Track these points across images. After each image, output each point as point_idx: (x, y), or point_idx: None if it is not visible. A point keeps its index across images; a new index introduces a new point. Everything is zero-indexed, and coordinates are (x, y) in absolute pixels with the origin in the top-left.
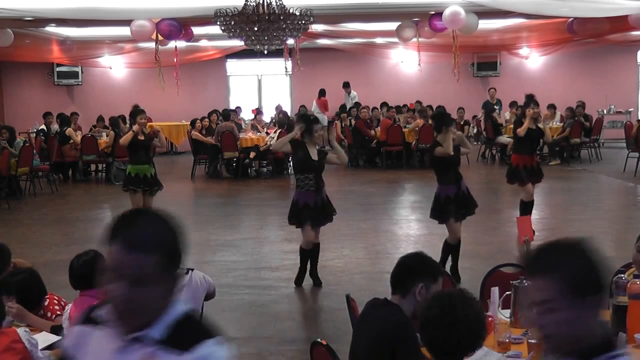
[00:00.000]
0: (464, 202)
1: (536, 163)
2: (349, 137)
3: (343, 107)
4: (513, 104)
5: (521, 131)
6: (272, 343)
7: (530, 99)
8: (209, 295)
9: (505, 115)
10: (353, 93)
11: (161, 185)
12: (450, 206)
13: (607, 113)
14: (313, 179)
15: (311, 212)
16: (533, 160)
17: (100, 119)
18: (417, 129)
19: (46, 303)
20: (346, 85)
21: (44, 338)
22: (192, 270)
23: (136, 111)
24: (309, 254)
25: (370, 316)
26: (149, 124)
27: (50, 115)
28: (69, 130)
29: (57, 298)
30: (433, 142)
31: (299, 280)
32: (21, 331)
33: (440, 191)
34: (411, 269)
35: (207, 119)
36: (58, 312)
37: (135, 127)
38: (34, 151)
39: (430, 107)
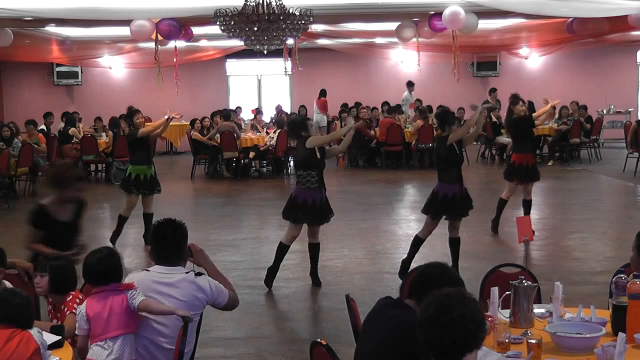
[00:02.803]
0: (459, 203)
1: (533, 163)
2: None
3: (345, 105)
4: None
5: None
6: (272, 343)
7: (517, 97)
8: (222, 306)
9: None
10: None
11: (159, 186)
12: (444, 205)
13: (606, 113)
14: (316, 177)
15: (309, 210)
16: (534, 160)
17: (99, 119)
18: (417, 129)
19: (69, 299)
20: (410, 84)
21: (45, 338)
22: (201, 274)
23: (132, 111)
24: (286, 250)
25: (382, 315)
26: (146, 123)
27: (51, 115)
28: (73, 130)
29: (80, 297)
30: (440, 139)
31: (269, 281)
32: (34, 332)
33: (439, 189)
34: (431, 279)
35: (208, 119)
36: (74, 311)
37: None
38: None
39: (429, 107)
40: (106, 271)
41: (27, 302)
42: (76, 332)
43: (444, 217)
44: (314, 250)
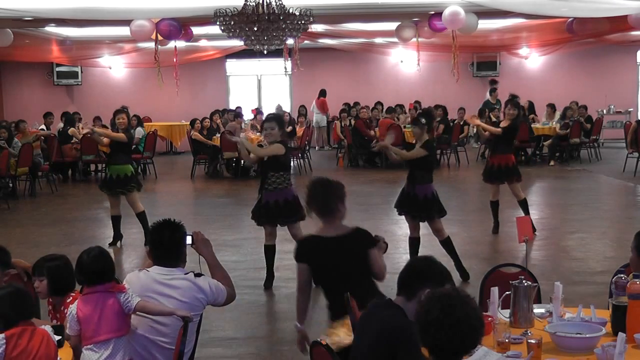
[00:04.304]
0: (413, 204)
1: (512, 163)
2: (349, 137)
3: (347, 105)
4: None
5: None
6: (272, 343)
7: (509, 100)
8: (221, 304)
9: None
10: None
11: (138, 184)
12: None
13: (606, 113)
14: (285, 176)
15: (279, 210)
16: (509, 160)
17: (97, 119)
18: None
19: (69, 300)
20: (492, 83)
21: None
22: (200, 275)
23: (116, 111)
24: (273, 250)
25: (372, 316)
26: (147, 123)
27: (51, 115)
28: (72, 130)
29: None
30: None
31: (268, 283)
32: (49, 329)
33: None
34: (420, 273)
35: (208, 119)
36: None
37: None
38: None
39: (441, 107)
40: (102, 270)
41: (31, 296)
42: (67, 332)
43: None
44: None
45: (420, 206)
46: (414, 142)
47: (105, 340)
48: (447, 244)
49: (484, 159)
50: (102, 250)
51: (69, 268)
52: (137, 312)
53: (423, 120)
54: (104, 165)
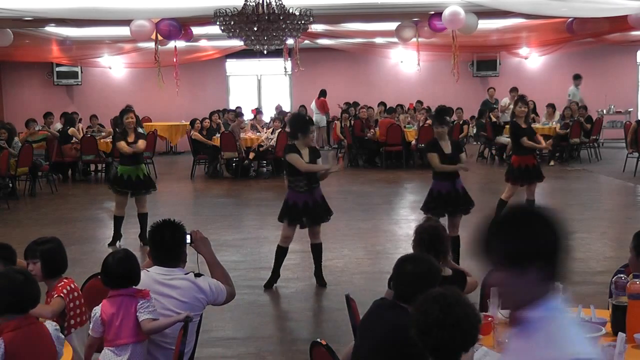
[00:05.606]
0: (456, 200)
1: (535, 163)
2: (349, 137)
3: (347, 104)
4: (513, 90)
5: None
6: (272, 343)
7: (518, 99)
8: (220, 304)
9: (504, 100)
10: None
11: (154, 186)
12: (439, 202)
13: (606, 113)
14: (303, 181)
15: (300, 212)
16: (535, 160)
17: (94, 117)
18: (416, 128)
19: (60, 284)
20: (577, 77)
21: None
22: (200, 275)
23: (124, 110)
24: (284, 252)
25: (377, 317)
26: (147, 123)
27: (51, 115)
28: (72, 130)
29: (72, 286)
30: (426, 144)
31: (270, 284)
32: (50, 326)
33: (434, 186)
34: (428, 282)
35: (207, 119)
36: (61, 295)
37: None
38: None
39: (429, 108)
40: (127, 273)
41: (37, 286)
42: (90, 333)
43: (444, 215)
44: (315, 250)
45: (464, 199)
46: (412, 141)
47: (124, 344)
48: (456, 242)
49: (484, 158)
50: (127, 253)
51: (62, 250)
52: (142, 326)
53: (449, 119)
54: (104, 165)
